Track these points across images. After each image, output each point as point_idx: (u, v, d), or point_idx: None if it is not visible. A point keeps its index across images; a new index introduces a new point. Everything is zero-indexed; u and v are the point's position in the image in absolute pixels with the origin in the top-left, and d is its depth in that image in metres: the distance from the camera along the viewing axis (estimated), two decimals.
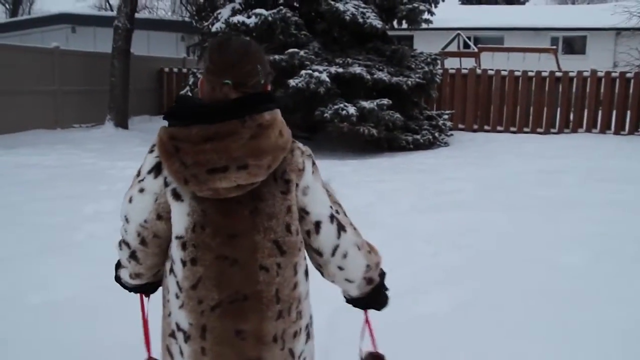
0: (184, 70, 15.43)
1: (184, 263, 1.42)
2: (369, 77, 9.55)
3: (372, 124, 9.44)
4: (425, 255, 4.28)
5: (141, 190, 1.45)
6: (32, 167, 7.39)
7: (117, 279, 1.70)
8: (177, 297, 1.45)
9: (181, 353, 1.48)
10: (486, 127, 12.91)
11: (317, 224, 1.50)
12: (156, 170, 1.43)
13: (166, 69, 16.11)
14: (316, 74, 9.03)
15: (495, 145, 10.58)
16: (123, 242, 1.55)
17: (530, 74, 12.72)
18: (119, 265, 1.68)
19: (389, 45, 10.91)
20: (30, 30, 23.26)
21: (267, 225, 1.42)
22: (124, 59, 12.28)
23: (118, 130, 12.02)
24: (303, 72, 9.07)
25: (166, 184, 1.42)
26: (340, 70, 9.43)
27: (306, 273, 1.54)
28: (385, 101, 9.55)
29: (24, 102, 11.69)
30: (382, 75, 9.83)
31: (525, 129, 12.70)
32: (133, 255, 1.54)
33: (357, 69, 9.52)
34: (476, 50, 17.28)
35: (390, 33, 11.59)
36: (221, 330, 1.43)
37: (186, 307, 1.44)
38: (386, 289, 1.71)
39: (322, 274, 1.61)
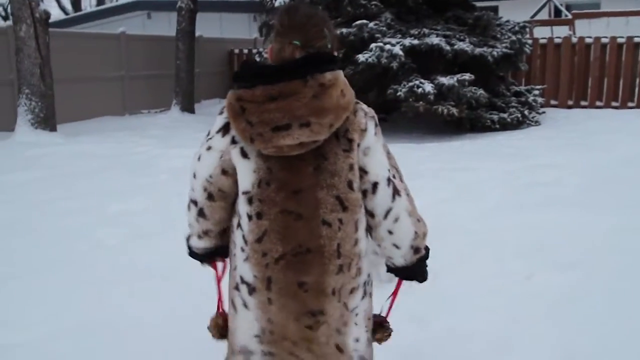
0: (254, 51, 14.80)
1: (249, 217, 1.50)
2: (448, 48, 8.48)
3: (452, 102, 8.39)
4: (517, 276, 3.25)
5: (209, 148, 1.55)
6: (83, 157, 6.97)
7: (190, 251, 1.76)
8: (243, 250, 1.52)
9: (244, 305, 1.54)
10: (583, 103, 11.44)
11: (375, 185, 1.53)
12: (224, 129, 1.53)
13: (236, 51, 15.60)
14: (388, 46, 8.08)
15: (597, 123, 9.20)
16: (191, 202, 1.63)
17: (636, 39, 11.10)
18: (187, 237, 1.74)
19: (471, 13, 9.73)
20: (109, 18, 23.54)
21: (329, 182, 1.47)
22: (189, 41, 11.80)
23: (184, 115, 11.60)
24: (373, 45, 8.15)
25: (233, 143, 1.50)
26: (416, 42, 8.42)
27: (367, 231, 1.58)
28: (467, 76, 8.46)
29: (91, 89, 11.48)
30: (464, 45, 8.72)
31: (630, 104, 11.13)
32: (201, 212, 1.61)
33: (435, 40, 8.48)
34: (570, 16, 15.58)
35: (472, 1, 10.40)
36: (285, 282, 1.49)
37: (251, 259, 1.51)
38: (424, 268, 1.71)
39: (371, 236, 1.61)
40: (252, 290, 1.53)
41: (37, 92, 8.84)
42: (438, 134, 9.17)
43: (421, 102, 8.13)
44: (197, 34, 14.40)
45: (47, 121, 8.96)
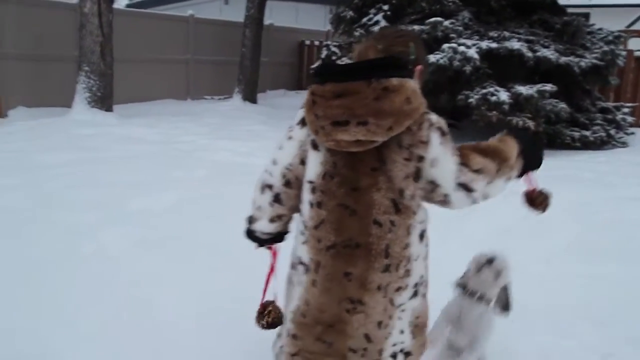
0: (324, 43, 14.30)
1: (311, 205, 1.62)
2: (530, 54, 7.67)
3: (528, 114, 7.59)
4: (589, 353, 2.53)
5: (289, 138, 1.67)
6: (128, 142, 6.71)
7: (250, 233, 1.84)
8: (302, 234, 1.66)
9: (300, 282, 1.68)
10: None
11: (446, 196, 1.64)
12: (302, 121, 1.64)
13: (307, 42, 15.16)
14: (462, 48, 7.37)
15: None
16: (266, 186, 1.73)
17: None
18: (252, 220, 1.81)
19: (559, 17, 8.83)
20: (187, 1, 23.66)
21: (387, 185, 1.55)
22: (256, 29, 11.42)
23: (245, 104, 11.26)
24: (445, 45, 7.46)
25: (308, 134, 1.61)
26: (494, 45, 7.66)
27: (421, 236, 1.64)
28: (548, 87, 7.63)
29: (156, 71, 11.35)
30: (548, 53, 7.88)
31: None
32: (277, 198, 1.72)
33: (516, 45, 7.68)
34: None
35: (562, 3, 9.46)
36: (332, 269, 1.60)
37: (308, 243, 1.64)
38: (537, 147, 1.86)
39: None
40: (306, 270, 1.64)
41: (97, 71, 8.70)
42: None
43: (494, 112, 7.38)
44: (268, 22, 14.12)
45: (103, 101, 8.81)
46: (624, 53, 9.12)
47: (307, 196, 1.63)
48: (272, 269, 1.86)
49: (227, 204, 4.04)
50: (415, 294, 1.66)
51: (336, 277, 1.59)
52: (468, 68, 7.35)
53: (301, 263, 1.66)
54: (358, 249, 1.57)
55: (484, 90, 7.42)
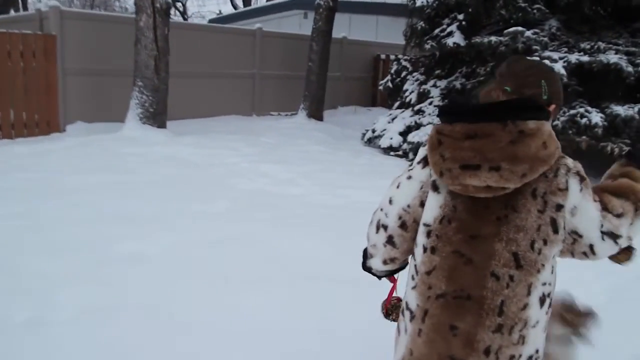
0: (392, 57, 13.41)
1: (424, 249, 1.51)
2: (630, 68, 6.49)
3: (627, 139, 6.41)
4: None
5: (409, 177, 1.57)
6: (167, 163, 6.23)
7: (367, 268, 1.77)
8: (413, 278, 1.55)
9: (405, 330, 1.56)
10: None
11: (591, 247, 1.51)
12: (424, 161, 1.53)
13: (382, 56, 14.35)
14: (547, 62, 6.31)
15: None
16: (381, 226, 1.62)
17: None
18: (367, 255, 1.73)
19: None
20: (267, 16, 23.55)
21: (512, 236, 1.42)
22: (324, 42, 10.77)
23: (310, 122, 10.60)
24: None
25: (430, 175, 1.51)
26: (586, 58, 6.54)
27: (542, 300, 1.47)
28: None
29: (221, 85, 10.98)
30: None
31: None
32: (390, 240, 1.61)
33: (613, 58, 6.53)
34: None
35: None
36: (439, 320, 1.47)
37: (418, 289, 1.52)
38: None
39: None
40: (412, 317, 1.54)
41: (150, 86, 8.33)
42: (599, 175, 7.18)
43: (584, 137, 6.27)
44: (341, 35, 13.46)
45: (156, 117, 8.42)
46: None
47: (421, 239, 1.53)
48: (393, 288, 1.83)
49: (221, 258, 3.38)
50: None
51: (441, 329, 1.47)
52: None
53: (408, 309, 1.56)
54: (469, 301, 1.44)
55: (573, 111, 6.33)
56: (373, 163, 7.06)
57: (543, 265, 1.44)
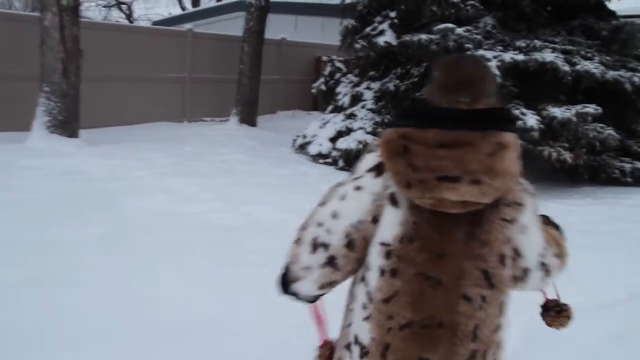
0: (325, 58, 12.90)
1: (382, 272, 1.32)
2: (567, 68, 6.13)
3: (565, 143, 6.04)
4: None
5: (358, 188, 1.34)
6: (62, 178, 5.52)
7: (290, 292, 1.44)
8: (365, 307, 1.35)
9: None
10: None
11: (526, 271, 1.40)
12: (377, 169, 1.32)
13: (324, 58, 13.85)
14: None
15: None
16: (320, 245, 1.35)
17: None
18: (292, 278, 1.41)
19: (607, 22, 7.23)
20: (214, 18, 22.83)
21: (477, 252, 1.30)
22: (255, 43, 10.17)
23: (241, 128, 9.98)
24: None
25: (386, 187, 1.31)
26: (521, 57, 6.15)
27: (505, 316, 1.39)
28: (591, 108, 6.09)
29: (149, 90, 10.23)
30: (591, 66, 6.33)
31: None
32: (332, 261, 1.35)
33: (549, 56, 6.16)
34: None
35: (612, 7, 7.85)
36: (405, 354, 1.31)
37: (372, 320, 1.33)
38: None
39: None
40: (364, 353, 1.34)
41: (58, 91, 7.55)
42: (542, 181, 6.80)
43: (520, 141, 5.84)
44: (281, 36, 12.91)
45: (65, 125, 7.63)
46: None
47: (377, 261, 1.30)
48: (322, 324, 1.51)
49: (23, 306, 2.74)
50: None
51: None
52: None
53: (358, 343, 1.32)
54: (441, 329, 1.28)
55: None
56: (296, 173, 6.50)
57: (510, 279, 1.36)
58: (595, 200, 6.01)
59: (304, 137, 8.09)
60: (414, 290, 1.29)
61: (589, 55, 6.66)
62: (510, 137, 1.27)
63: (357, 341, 1.35)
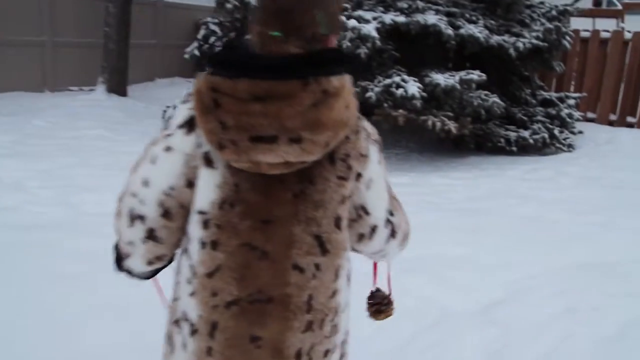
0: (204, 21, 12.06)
1: (202, 244, 1.16)
2: (450, 31, 5.74)
3: (449, 112, 5.68)
4: None
5: (168, 149, 1.15)
6: None
7: (124, 269, 1.31)
8: (189, 282, 1.20)
9: (184, 345, 1.22)
10: (630, 120, 8.56)
11: (373, 229, 1.28)
12: (189, 125, 1.14)
13: (204, 20, 12.89)
14: (354, 23, 5.35)
15: None
16: (137, 218, 1.18)
17: None
18: (122, 254, 1.27)
19: None
20: None
21: (310, 215, 1.15)
22: (123, 3, 9.09)
23: (110, 98, 8.95)
24: None
25: (199, 145, 1.13)
26: (402, 19, 5.68)
27: (348, 278, 1.27)
28: (475, 75, 5.74)
29: (1, 55, 8.90)
30: (475, 30, 5.98)
31: None
32: (151, 234, 1.19)
33: (432, 19, 5.73)
34: (620, 7, 12.71)
35: None
36: (234, 332, 1.18)
37: (197, 296, 1.18)
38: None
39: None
40: (193, 331, 1.19)
41: None
42: (428, 152, 6.47)
43: (401, 110, 5.41)
44: None
45: None
46: (570, 32, 7.30)
47: (196, 232, 1.15)
48: (162, 292, 1.38)
49: None
50: (342, 357, 1.29)
51: (240, 344, 1.16)
52: (364, 50, 5.33)
53: (187, 320, 1.19)
54: (270, 304, 1.15)
55: (388, 81, 5.43)
56: None
57: (347, 240, 1.21)
58: (481, 172, 5.73)
59: (175, 107, 7.28)
60: (238, 264, 1.15)
61: (474, 18, 6.33)
62: (340, 81, 1.10)
63: (186, 318, 1.21)
